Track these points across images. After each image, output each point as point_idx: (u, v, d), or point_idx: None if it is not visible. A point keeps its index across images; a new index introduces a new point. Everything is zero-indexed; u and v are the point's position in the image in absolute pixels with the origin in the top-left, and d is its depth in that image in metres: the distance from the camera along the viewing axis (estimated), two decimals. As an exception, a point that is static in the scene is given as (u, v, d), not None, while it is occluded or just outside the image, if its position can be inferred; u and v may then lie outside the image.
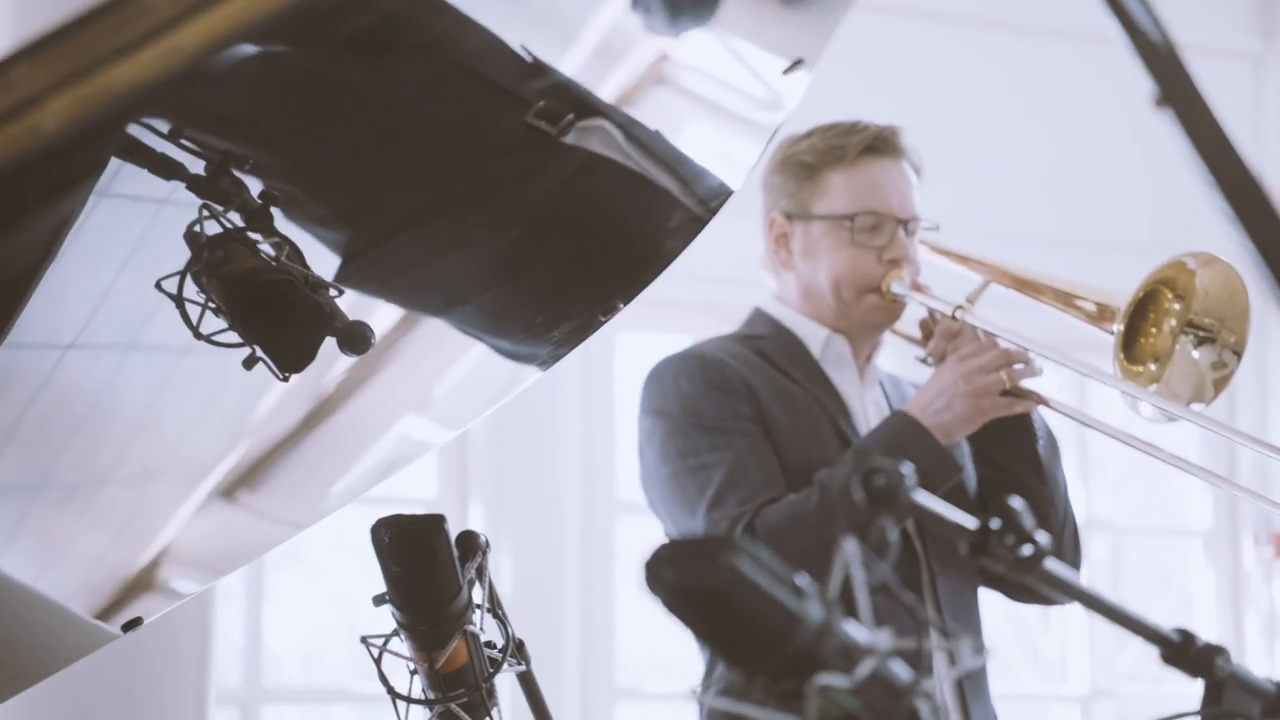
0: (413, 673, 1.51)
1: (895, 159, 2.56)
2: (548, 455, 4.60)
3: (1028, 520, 1.12)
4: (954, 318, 2.52)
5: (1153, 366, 2.47)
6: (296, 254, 1.47)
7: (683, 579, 1.02)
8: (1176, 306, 2.46)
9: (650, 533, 2.90)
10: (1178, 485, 5.48)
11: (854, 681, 1.01)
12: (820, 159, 2.56)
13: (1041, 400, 2.52)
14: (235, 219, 1.45)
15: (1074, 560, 2.61)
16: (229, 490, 1.90)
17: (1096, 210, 5.13)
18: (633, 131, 1.59)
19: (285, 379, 1.49)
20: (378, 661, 1.51)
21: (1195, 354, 2.46)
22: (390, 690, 1.51)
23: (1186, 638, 1.19)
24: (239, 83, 1.33)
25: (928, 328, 2.61)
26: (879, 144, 2.55)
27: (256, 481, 1.89)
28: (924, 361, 2.59)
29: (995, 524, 1.12)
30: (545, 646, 4.45)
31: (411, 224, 1.61)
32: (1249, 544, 5.18)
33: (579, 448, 4.62)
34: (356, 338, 1.46)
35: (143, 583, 1.93)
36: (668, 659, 5.03)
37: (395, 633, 1.51)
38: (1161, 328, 2.47)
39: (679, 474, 2.48)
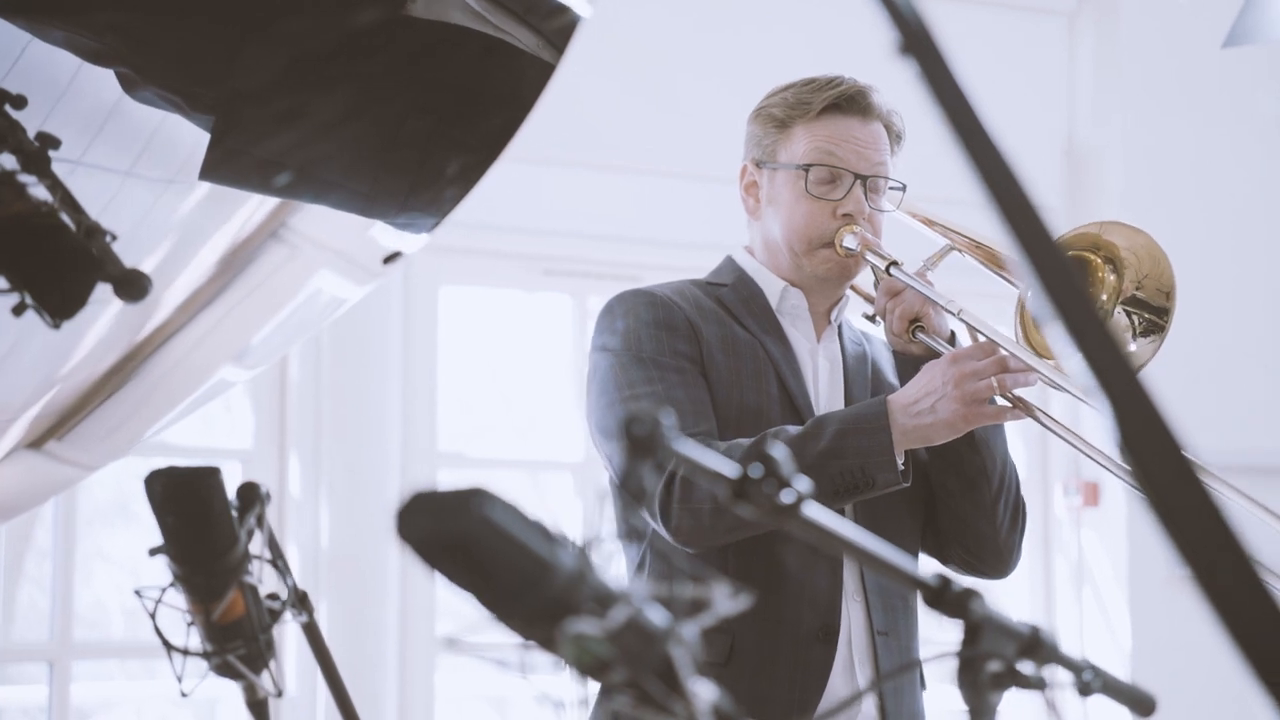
0: (189, 625, 1.49)
1: (863, 117, 2.55)
2: (368, 407, 4.56)
3: (788, 468, 1.13)
4: (888, 273, 2.51)
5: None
6: (70, 199, 1.44)
7: (433, 528, 1.02)
8: (1112, 278, 2.41)
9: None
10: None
11: (608, 628, 1.01)
12: (788, 112, 2.57)
13: (1030, 413, 2.41)
14: (7, 161, 1.41)
15: (1012, 530, 2.56)
16: (38, 441, 1.86)
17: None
18: None
19: (56, 326, 1.46)
20: (153, 615, 1.49)
21: (1125, 326, 2.40)
22: (165, 643, 1.49)
23: (943, 582, 1.21)
24: None
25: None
26: (843, 101, 2.55)
27: (65, 431, 1.85)
28: (869, 318, 2.61)
29: (756, 471, 1.13)
30: (365, 598, 4.43)
31: (264, 92, 1.58)
32: (1059, 493, 5.31)
33: (399, 400, 4.59)
34: (131, 284, 1.44)
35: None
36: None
37: (171, 584, 1.48)
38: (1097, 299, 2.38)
39: (613, 404, 2.47)
